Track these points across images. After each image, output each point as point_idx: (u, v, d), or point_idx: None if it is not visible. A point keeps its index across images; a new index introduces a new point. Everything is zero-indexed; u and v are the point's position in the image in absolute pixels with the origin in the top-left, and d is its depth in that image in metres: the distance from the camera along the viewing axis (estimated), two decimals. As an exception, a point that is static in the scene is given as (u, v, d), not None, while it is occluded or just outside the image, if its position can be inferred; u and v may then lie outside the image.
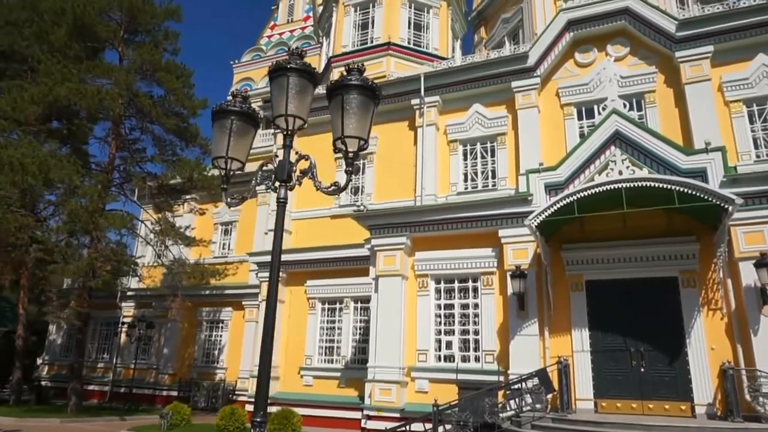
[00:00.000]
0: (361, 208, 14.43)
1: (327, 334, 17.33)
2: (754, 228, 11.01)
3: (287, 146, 4.40)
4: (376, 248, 14.13)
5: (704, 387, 10.96)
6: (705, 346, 11.15)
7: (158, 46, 21.07)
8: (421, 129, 17.37)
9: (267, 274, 17.96)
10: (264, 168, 4.52)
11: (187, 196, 22.42)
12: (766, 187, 11.05)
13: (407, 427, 11.92)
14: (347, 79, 4.13)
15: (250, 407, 17.25)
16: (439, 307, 13.69)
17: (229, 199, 4.68)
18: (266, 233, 18.92)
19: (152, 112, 19.22)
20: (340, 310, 17.22)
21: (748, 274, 10.81)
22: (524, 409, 11.29)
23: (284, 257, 17.88)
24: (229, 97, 4.65)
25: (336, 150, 4.15)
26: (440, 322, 13.60)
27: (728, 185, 10.89)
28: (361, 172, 18.43)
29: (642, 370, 11.48)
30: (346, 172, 4.19)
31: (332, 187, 4.32)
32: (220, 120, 4.57)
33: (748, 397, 10.31)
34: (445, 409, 11.47)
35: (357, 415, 14.26)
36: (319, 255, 17.45)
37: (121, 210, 19.34)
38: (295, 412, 13.65)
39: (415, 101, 17.63)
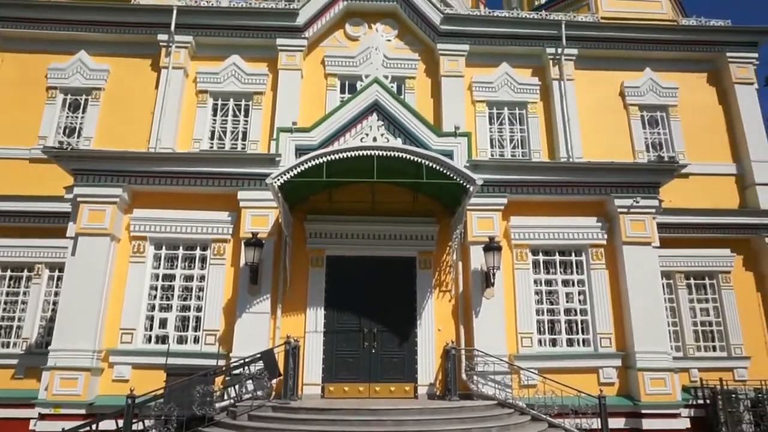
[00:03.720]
0: (65, 146, 11.08)
1: (5, 310, 13.24)
2: (487, 214, 11.43)
3: None
4: (80, 199, 10.98)
5: (429, 368, 10.91)
6: (434, 327, 11.14)
7: None
8: (166, 71, 14.62)
9: None
10: None
11: None
12: (501, 176, 11.58)
13: (93, 427, 9.35)
14: None
15: None
16: (156, 277, 11.22)
17: None
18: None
19: None
20: (29, 279, 13.31)
21: (477, 258, 11.13)
22: (244, 397, 9.74)
23: (-48, 206, 13.20)
24: None
25: None
26: (155, 296, 11.15)
27: (471, 170, 10.98)
28: (81, 110, 14.71)
29: (373, 351, 10.98)
30: None
31: None
32: None
33: (464, 376, 10.51)
34: (146, 401, 9.24)
35: (35, 413, 10.91)
36: (6, 206, 13.28)
37: None
38: None
39: (163, 37, 14.81)
